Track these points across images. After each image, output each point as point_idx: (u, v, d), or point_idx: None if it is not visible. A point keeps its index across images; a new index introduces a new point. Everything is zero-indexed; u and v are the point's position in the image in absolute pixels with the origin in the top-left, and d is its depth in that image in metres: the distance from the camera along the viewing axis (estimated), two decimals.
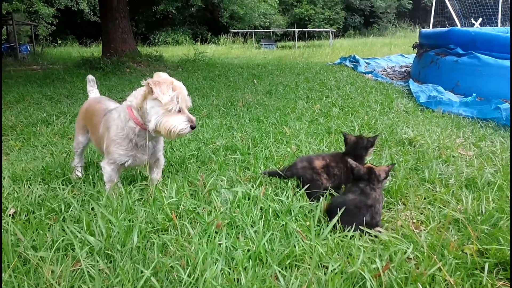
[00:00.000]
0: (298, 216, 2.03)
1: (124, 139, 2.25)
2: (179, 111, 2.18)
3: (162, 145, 2.51)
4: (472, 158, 2.88)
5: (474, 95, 5.03)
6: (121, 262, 1.61)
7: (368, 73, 8.00)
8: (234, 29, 25.59)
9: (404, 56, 11.10)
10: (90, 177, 2.55)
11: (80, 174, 2.69)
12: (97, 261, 1.62)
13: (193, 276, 1.51)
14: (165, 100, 2.10)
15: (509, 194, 2.20)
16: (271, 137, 3.53)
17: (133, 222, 1.91)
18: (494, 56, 5.47)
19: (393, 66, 9.48)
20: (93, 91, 2.91)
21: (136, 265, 1.54)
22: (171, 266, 1.59)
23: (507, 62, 5.20)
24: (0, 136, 2.27)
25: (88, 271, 1.55)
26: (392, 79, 7.29)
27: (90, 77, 2.91)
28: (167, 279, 1.53)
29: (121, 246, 1.74)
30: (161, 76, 2.28)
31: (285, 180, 2.42)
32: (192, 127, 2.22)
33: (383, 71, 8.59)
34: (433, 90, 5.55)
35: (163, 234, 1.88)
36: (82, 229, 1.85)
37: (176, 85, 2.21)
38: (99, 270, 1.58)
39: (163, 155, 2.54)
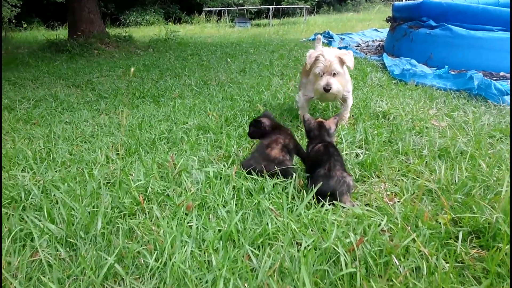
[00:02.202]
0: (272, 194, 1.98)
1: None
2: None
3: None
4: (445, 129, 2.88)
5: (446, 67, 5.04)
6: (84, 249, 1.53)
7: (342, 48, 7.94)
8: (208, 7, 24.95)
9: (378, 31, 11.07)
10: (51, 163, 2.42)
11: None
12: (57, 250, 1.53)
13: (160, 260, 1.44)
14: None
15: (481, 162, 2.21)
16: (245, 116, 3.45)
17: (97, 207, 1.81)
18: (467, 27, 5.48)
19: (367, 41, 9.44)
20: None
21: (99, 252, 1.46)
22: (138, 252, 1.51)
23: (479, 33, 5.22)
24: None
25: (49, 261, 1.46)
26: (366, 54, 7.25)
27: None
28: (133, 265, 1.46)
29: (85, 233, 1.65)
30: None
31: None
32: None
33: (357, 46, 8.54)
34: (407, 63, 5.54)
35: (131, 219, 1.80)
36: (43, 218, 1.75)
37: None
38: (60, 259, 1.49)
39: None
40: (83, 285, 1.33)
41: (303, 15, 23.69)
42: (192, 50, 8.78)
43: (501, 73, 5.00)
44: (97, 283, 1.32)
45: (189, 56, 7.83)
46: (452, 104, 3.56)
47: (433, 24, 6.04)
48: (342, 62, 2.87)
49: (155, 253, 1.48)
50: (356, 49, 7.95)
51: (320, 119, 2.25)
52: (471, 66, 5.05)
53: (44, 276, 1.38)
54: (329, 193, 1.84)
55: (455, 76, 4.42)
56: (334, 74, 2.85)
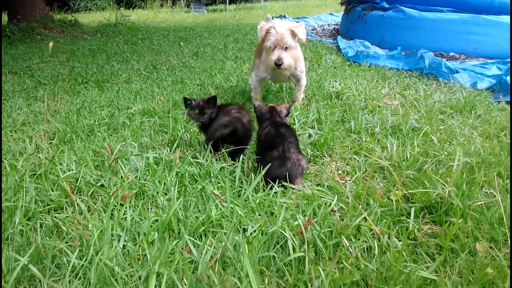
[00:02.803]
0: (218, 178, 1.83)
1: None
2: None
3: None
4: (397, 107, 2.85)
5: (399, 48, 5.07)
6: None
7: None
8: None
9: (333, 15, 11.08)
10: None
11: None
12: None
13: (85, 258, 1.26)
14: None
15: (433, 138, 2.17)
16: None
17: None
18: (418, 9, 5.53)
19: (322, 25, 9.40)
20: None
21: (10, 253, 1.26)
22: (60, 250, 1.32)
23: (431, 15, 5.28)
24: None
25: None
26: (321, 37, 7.21)
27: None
28: (54, 265, 1.27)
29: (1, 231, 1.43)
30: None
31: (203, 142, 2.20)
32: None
33: (313, 30, 8.48)
34: (361, 45, 5.54)
35: (58, 213, 1.60)
36: None
37: None
38: None
39: None
40: None
41: (260, 1, 23.42)
42: (144, 35, 8.37)
43: (451, 54, 5.11)
44: None
45: (139, 41, 7.45)
46: (404, 83, 3.56)
47: (386, 6, 6.06)
48: (294, 34, 2.72)
49: (80, 250, 1.30)
50: (312, 32, 7.89)
51: (271, 104, 2.13)
52: (423, 47, 5.08)
53: None
54: (283, 177, 1.72)
55: (407, 56, 4.44)
56: (286, 48, 2.70)
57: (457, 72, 3.72)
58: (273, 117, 2.06)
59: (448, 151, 2.03)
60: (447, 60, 4.63)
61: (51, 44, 2.77)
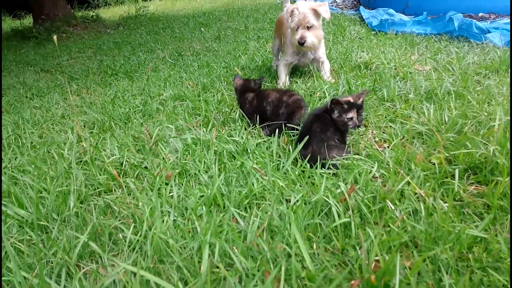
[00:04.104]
0: (255, 153, 1.86)
1: None
2: None
3: None
4: (430, 72, 2.78)
5: (425, 13, 4.90)
6: (56, 231, 1.40)
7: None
8: None
9: None
10: (20, 148, 2.26)
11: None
12: (27, 234, 1.40)
13: (140, 233, 1.33)
14: None
15: (471, 99, 2.12)
16: (223, 81, 3.29)
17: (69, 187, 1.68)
18: None
19: None
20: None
21: (71, 232, 1.34)
22: (115, 227, 1.39)
23: None
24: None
25: (19, 247, 1.34)
26: (343, 9, 7.04)
27: None
28: (111, 241, 1.35)
29: (57, 214, 1.52)
30: None
31: (238, 121, 2.24)
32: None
33: (333, 2, 8.29)
34: (384, 14, 5.39)
35: (107, 195, 1.68)
36: (11, 204, 1.61)
37: None
38: (32, 244, 1.37)
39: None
40: (56, 268, 1.22)
41: None
42: (164, 24, 8.43)
43: (480, 14, 4.89)
44: (71, 263, 1.21)
45: (161, 30, 7.52)
46: (434, 47, 3.45)
47: None
48: (317, 14, 2.74)
49: (134, 227, 1.37)
50: (332, 5, 7.71)
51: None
52: (449, 10, 4.91)
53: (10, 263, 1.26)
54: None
55: (434, 20, 4.28)
56: (309, 28, 2.73)
57: (489, 32, 3.56)
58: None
59: (487, 112, 1.98)
60: (477, 21, 4.44)
61: (55, 37, 2.83)
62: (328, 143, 1.71)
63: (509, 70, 2.59)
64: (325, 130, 1.74)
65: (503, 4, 4.75)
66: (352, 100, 1.74)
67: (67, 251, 1.27)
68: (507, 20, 4.35)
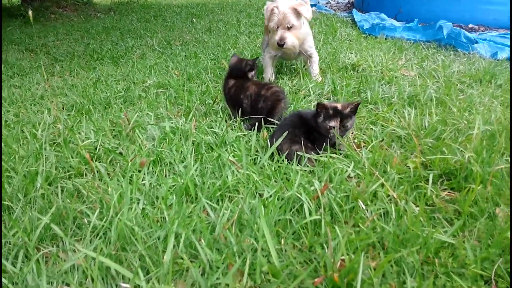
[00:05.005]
0: (234, 146, 1.84)
1: None
2: None
3: None
4: (415, 78, 2.79)
5: (416, 20, 4.92)
6: (20, 212, 1.36)
7: (312, 6, 7.67)
8: None
9: None
10: None
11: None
12: None
13: (105, 219, 1.29)
14: None
15: (452, 107, 2.13)
16: (209, 73, 3.26)
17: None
18: None
19: None
20: None
21: (34, 213, 1.29)
22: (81, 211, 1.36)
23: None
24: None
25: None
26: (336, 11, 7.05)
27: None
28: (75, 225, 1.31)
29: (23, 195, 1.47)
30: None
31: (220, 113, 2.21)
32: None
33: (327, 4, 8.29)
34: (376, 18, 5.40)
35: (79, 179, 1.63)
36: None
37: None
38: None
39: None
40: (14, 249, 1.18)
41: None
42: (156, 12, 8.31)
43: (470, 25, 4.94)
44: (31, 245, 1.17)
45: (152, 18, 7.41)
46: (422, 54, 3.47)
47: None
48: (298, 13, 2.64)
49: (100, 212, 1.33)
50: (326, 6, 7.72)
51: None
52: (440, 19, 4.95)
53: None
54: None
55: (425, 28, 4.31)
56: (289, 28, 2.63)
57: (477, 42, 3.60)
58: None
59: (467, 120, 1.99)
60: (466, 31, 4.49)
61: (30, 12, 2.76)
62: (294, 138, 1.71)
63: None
64: (297, 127, 1.74)
65: (491, 17, 4.81)
66: (339, 108, 1.71)
67: (27, 232, 1.23)
68: (496, 33, 4.40)
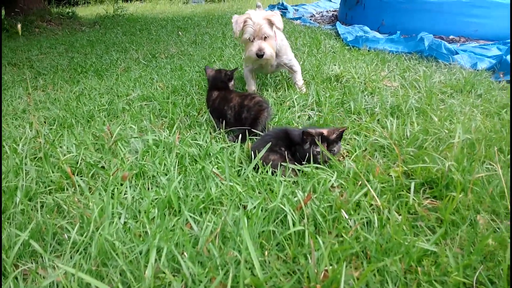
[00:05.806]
0: (218, 158, 1.83)
1: None
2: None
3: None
4: (397, 88, 2.84)
5: (398, 32, 5.03)
6: None
7: (296, 19, 7.79)
8: None
9: (331, 1, 10.97)
10: None
11: None
12: None
13: (86, 234, 1.27)
14: None
15: (433, 116, 2.17)
16: (194, 85, 3.26)
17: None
18: None
19: (321, 11, 9.32)
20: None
21: (12, 229, 1.26)
22: (61, 227, 1.33)
23: None
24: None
25: None
26: (320, 24, 7.16)
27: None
28: (55, 241, 1.28)
29: (1, 211, 1.44)
30: None
31: (204, 125, 2.21)
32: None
33: (311, 17, 8.42)
34: (360, 30, 5.50)
35: (60, 194, 1.60)
36: None
37: None
38: None
39: None
40: None
41: None
42: (142, 26, 8.32)
43: (451, 37, 5.07)
44: (8, 262, 1.14)
45: (137, 31, 7.41)
46: (404, 65, 3.53)
47: None
48: (271, 24, 2.63)
49: (81, 227, 1.31)
50: (311, 19, 7.83)
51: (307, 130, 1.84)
52: (422, 31, 5.06)
53: None
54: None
55: (407, 40, 4.40)
56: (265, 38, 2.59)
57: (457, 53, 3.69)
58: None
59: (448, 129, 2.03)
60: (447, 43, 4.60)
61: (19, 26, 2.75)
62: (273, 148, 1.73)
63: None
64: (280, 139, 1.76)
65: (471, 28, 4.95)
66: (325, 134, 1.73)
67: (5, 249, 1.20)
68: (476, 44, 4.52)
